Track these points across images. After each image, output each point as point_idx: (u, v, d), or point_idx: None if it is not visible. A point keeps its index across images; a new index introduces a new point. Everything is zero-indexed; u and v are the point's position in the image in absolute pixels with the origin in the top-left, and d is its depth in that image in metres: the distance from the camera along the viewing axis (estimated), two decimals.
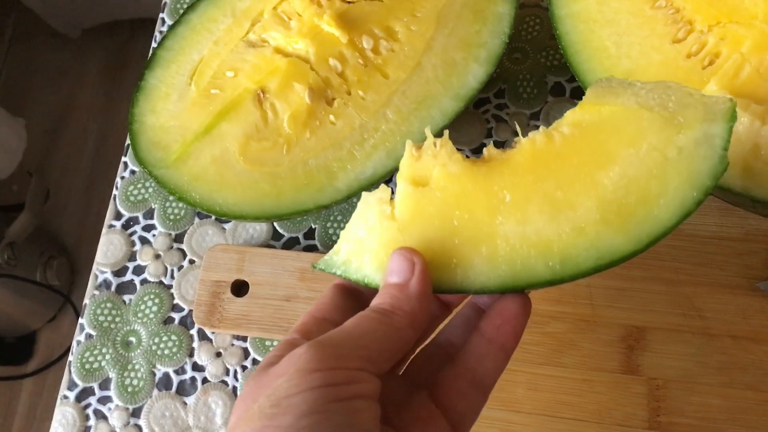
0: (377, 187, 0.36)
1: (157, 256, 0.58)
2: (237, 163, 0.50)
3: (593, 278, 0.43)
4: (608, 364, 0.49)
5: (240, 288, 0.55)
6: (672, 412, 0.47)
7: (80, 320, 0.57)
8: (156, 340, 0.55)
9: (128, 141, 0.63)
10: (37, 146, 1.70)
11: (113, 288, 0.57)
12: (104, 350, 0.55)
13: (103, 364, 0.55)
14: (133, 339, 0.56)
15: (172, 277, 0.57)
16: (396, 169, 0.48)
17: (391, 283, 0.33)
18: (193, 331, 0.55)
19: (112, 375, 0.55)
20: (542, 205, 0.33)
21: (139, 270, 0.58)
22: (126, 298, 0.57)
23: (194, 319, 0.54)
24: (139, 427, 0.53)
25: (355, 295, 0.37)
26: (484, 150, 0.36)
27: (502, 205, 0.33)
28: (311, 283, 0.53)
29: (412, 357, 0.36)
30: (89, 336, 0.56)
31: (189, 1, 0.68)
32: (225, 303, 0.53)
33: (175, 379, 0.54)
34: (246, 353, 0.54)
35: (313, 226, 0.57)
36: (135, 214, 0.60)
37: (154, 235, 0.59)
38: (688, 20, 0.48)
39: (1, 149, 1.34)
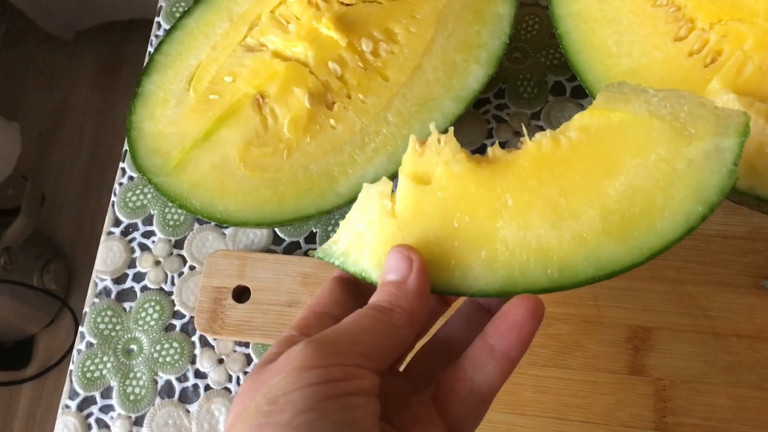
0: None
1: (157, 263, 0.57)
2: (237, 169, 0.49)
3: None
4: (614, 365, 0.49)
5: (241, 294, 0.54)
6: (679, 413, 0.47)
7: (80, 328, 0.56)
8: (157, 347, 0.55)
9: (126, 147, 0.62)
10: (31, 150, 1.69)
11: (113, 295, 0.57)
12: (105, 358, 0.55)
13: (104, 373, 0.55)
14: (134, 347, 0.55)
15: (173, 283, 0.57)
16: (397, 173, 0.47)
17: (389, 281, 0.33)
18: (195, 338, 0.55)
19: (113, 383, 0.54)
20: (544, 211, 0.33)
21: (139, 277, 0.57)
22: (126, 305, 0.57)
23: (196, 326, 0.53)
24: None
25: (354, 291, 0.37)
26: (489, 150, 0.36)
27: (504, 209, 0.33)
28: (314, 288, 0.53)
29: (412, 353, 0.36)
30: (90, 344, 0.55)
31: (185, 4, 0.67)
32: (227, 309, 0.53)
33: (178, 387, 0.54)
34: (249, 359, 0.54)
35: (314, 230, 0.57)
36: (134, 221, 0.59)
37: (153, 242, 0.58)
38: (689, 18, 0.47)
39: None
